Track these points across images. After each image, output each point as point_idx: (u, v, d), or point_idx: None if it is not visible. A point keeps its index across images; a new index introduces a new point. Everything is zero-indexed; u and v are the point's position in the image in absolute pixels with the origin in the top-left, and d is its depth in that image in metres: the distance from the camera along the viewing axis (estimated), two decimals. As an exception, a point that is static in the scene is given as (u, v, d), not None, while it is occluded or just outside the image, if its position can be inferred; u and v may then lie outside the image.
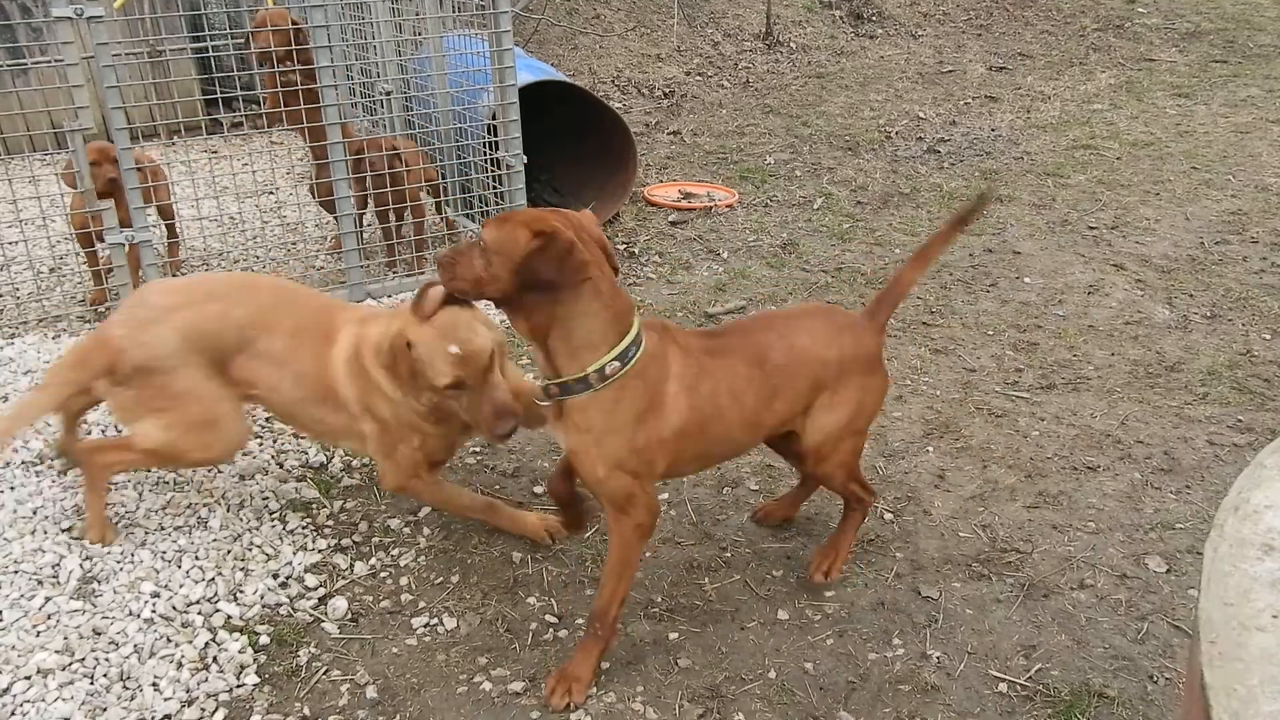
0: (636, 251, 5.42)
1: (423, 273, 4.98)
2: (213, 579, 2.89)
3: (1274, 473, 1.01)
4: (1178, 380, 4.06)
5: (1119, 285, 4.93)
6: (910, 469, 3.50)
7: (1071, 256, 5.29)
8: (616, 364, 2.29)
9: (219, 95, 4.82)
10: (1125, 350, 4.32)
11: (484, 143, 5.12)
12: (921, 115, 8.01)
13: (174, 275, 4.61)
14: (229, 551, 3.01)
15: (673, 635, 2.75)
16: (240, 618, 2.78)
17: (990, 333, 4.48)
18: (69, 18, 3.90)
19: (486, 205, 5.26)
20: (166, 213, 4.76)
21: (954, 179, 6.53)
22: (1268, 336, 4.41)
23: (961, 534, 3.17)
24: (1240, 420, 3.77)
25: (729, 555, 3.08)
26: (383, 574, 3.00)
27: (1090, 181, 6.43)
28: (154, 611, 2.74)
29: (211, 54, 4.86)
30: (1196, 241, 5.47)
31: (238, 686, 2.56)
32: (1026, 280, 5.02)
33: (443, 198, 5.24)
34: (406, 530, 3.19)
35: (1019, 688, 2.58)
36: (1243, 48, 10.02)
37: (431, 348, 2.62)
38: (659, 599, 2.88)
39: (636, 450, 2.37)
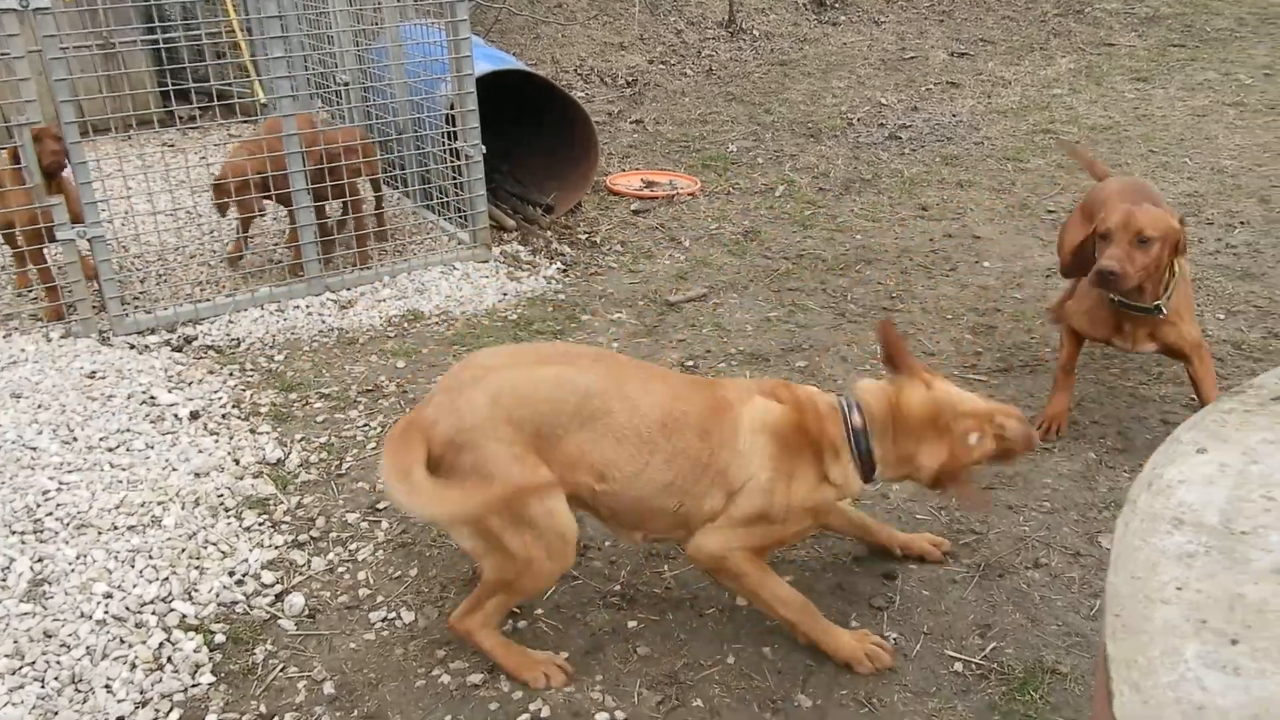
0: (598, 241, 5.41)
1: (367, 268, 4.95)
2: (167, 578, 2.86)
3: (1189, 448, 1.03)
4: (1133, 361, 4.10)
5: (1076, 268, 4.96)
6: (869, 453, 3.51)
7: (1030, 240, 5.33)
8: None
9: (172, 88, 4.75)
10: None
11: (443, 133, 5.09)
12: (883, 101, 8.03)
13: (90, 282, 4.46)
14: (184, 550, 2.98)
15: (631, 624, 2.75)
16: (195, 616, 2.75)
17: (949, 317, 4.51)
18: (14, 9, 3.84)
19: (446, 196, 5.24)
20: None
21: (915, 165, 6.55)
22: (1222, 316, 4.46)
23: (919, 516, 3.19)
24: (1193, 400, 3.81)
25: (688, 542, 3.08)
26: (340, 569, 2.99)
27: (1049, 166, 6.48)
28: (107, 612, 2.71)
29: (163, 46, 4.79)
30: (1153, 223, 5.51)
31: (193, 686, 2.54)
32: (986, 264, 5.05)
33: (381, 191, 5.19)
34: (365, 525, 3.17)
35: (974, 666, 2.60)
36: (1200, 31, 10.11)
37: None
38: (617, 587, 2.89)
39: (1188, 312, 3.49)
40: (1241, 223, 5.49)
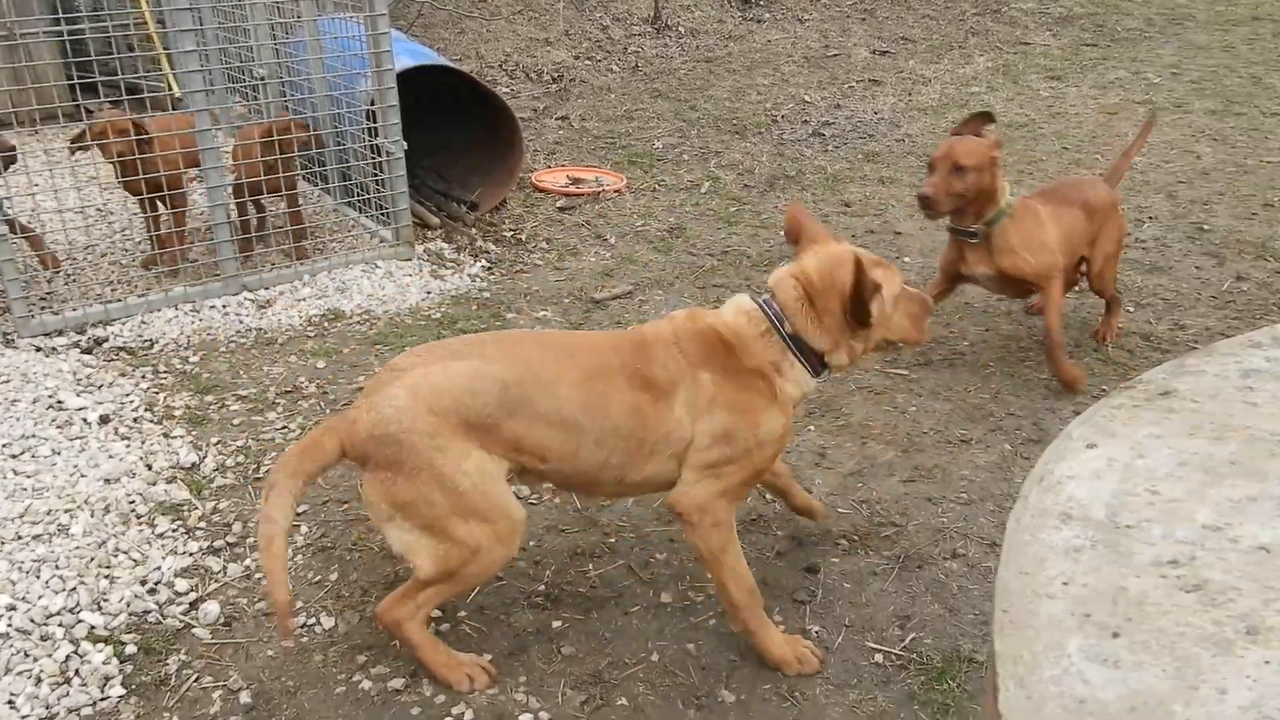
0: (524, 238, 5.38)
1: (288, 265, 4.86)
2: (75, 588, 2.77)
3: (1079, 444, 1.05)
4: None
5: (993, 263, 5.07)
6: (792, 448, 3.55)
7: (948, 236, 5.42)
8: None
9: (79, 81, 4.60)
10: (998, 325, 4.45)
11: (364, 129, 5.02)
12: (807, 99, 8.12)
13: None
14: (92, 559, 2.89)
15: (556, 623, 2.75)
16: (105, 627, 2.67)
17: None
18: (-95, 1, 3.68)
19: (367, 193, 5.16)
20: None
21: (838, 161, 6.64)
22: (1131, 309, 4.60)
23: (841, 510, 3.23)
24: (1104, 390, 3.92)
25: (613, 541, 3.08)
26: (258, 575, 2.92)
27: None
28: (10, 625, 2.62)
29: (68, 38, 4.65)
30: (1066, 219, 5.66)
31: (102, 700, 2.47)
32: (907, 260, 5.14)
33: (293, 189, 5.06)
34: (283, 529, 3.11)
35: (894, 657, 2.64)
36: (1111, 31, 10.40)
37: (873, 263, 2.55)
38: (542, 588, 2.87)
39: (1038, 243, 3.83)
40: (1150, 218, 5.66)
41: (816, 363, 2.55)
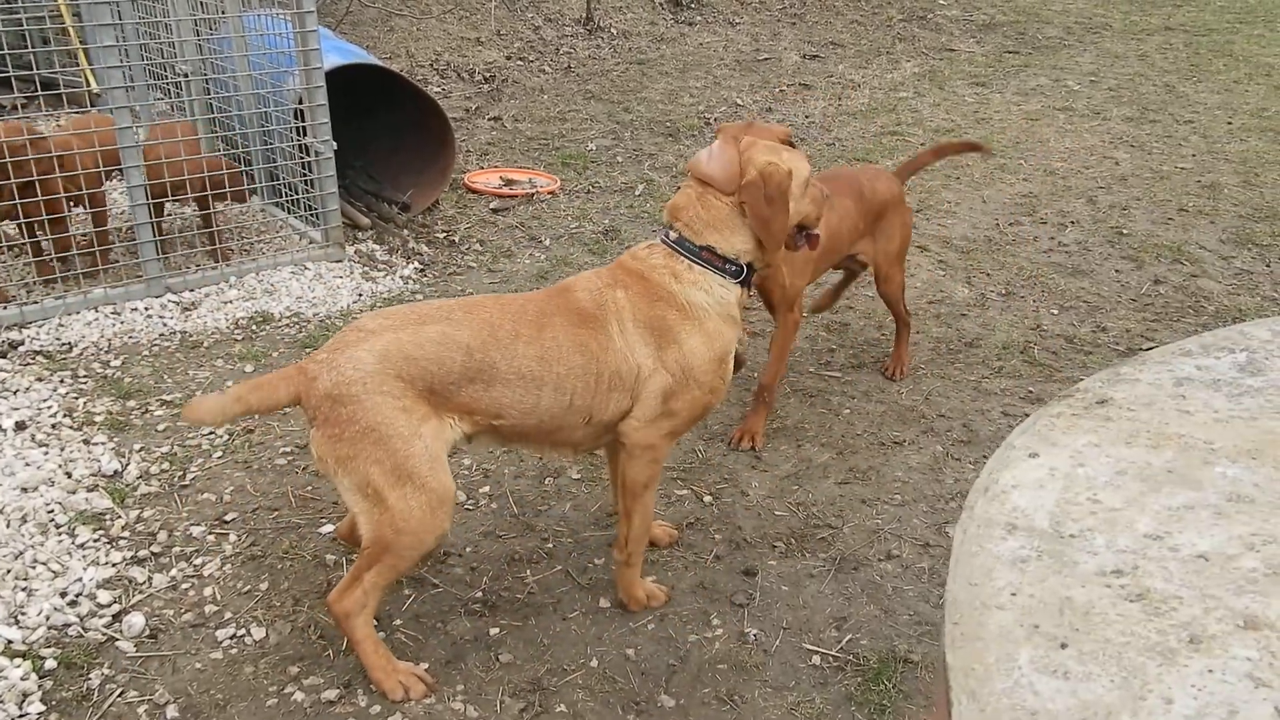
0: (457, 240, 5.32)
1: (213, 266, 4.75)
2: (-10, 603, 2.67)
3: (1021, 453, 1.07)
4: (975, 355, 4.29)
5: (923, 266, 5.16)
6: (729, 452, 3.57)
7: (879, 239, 5.51)
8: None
9: (-9, 76, 4.45)
10: (929, 328, 4.53)
11: (292, 128, 4.92)
12: (739, 102, 8.17)
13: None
14: (9, 570, 2.78)
15: (494, 630, 2.72)
16: (23, 641, 2.58)
17: (805, 315, 4.61)
18: None
19: (296, 193, 5.06)
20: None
21: (770, 164, 6.69)
22: (1055, 312, 4.71)
23: (777, 512, 3.26)
24: (1031, 391, 4.02)
25: (550, 546, 3.06)
26: (185, 585, 2.85)
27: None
28: (-79, 643, 2.51)
29: (-20, 31, 4.47)
30: (992, 223, 5.80)
31: (19, 717, 2.38)
32: (838, 263, 5.20)
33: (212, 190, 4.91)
34: (210, 538, 3.03)
35: (831, 659, 2.67)
36: (1033, 39, 10.67)
37: (783, 152, 2.67)
38: (479, 594, 2.85)
39: (804, 267, 3.51)
40: (1072, 222, 5.82)
41: (734, 269, 2.64)
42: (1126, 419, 1.11)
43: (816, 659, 2.67)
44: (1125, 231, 5.68)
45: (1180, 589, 0.86)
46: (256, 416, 3.62)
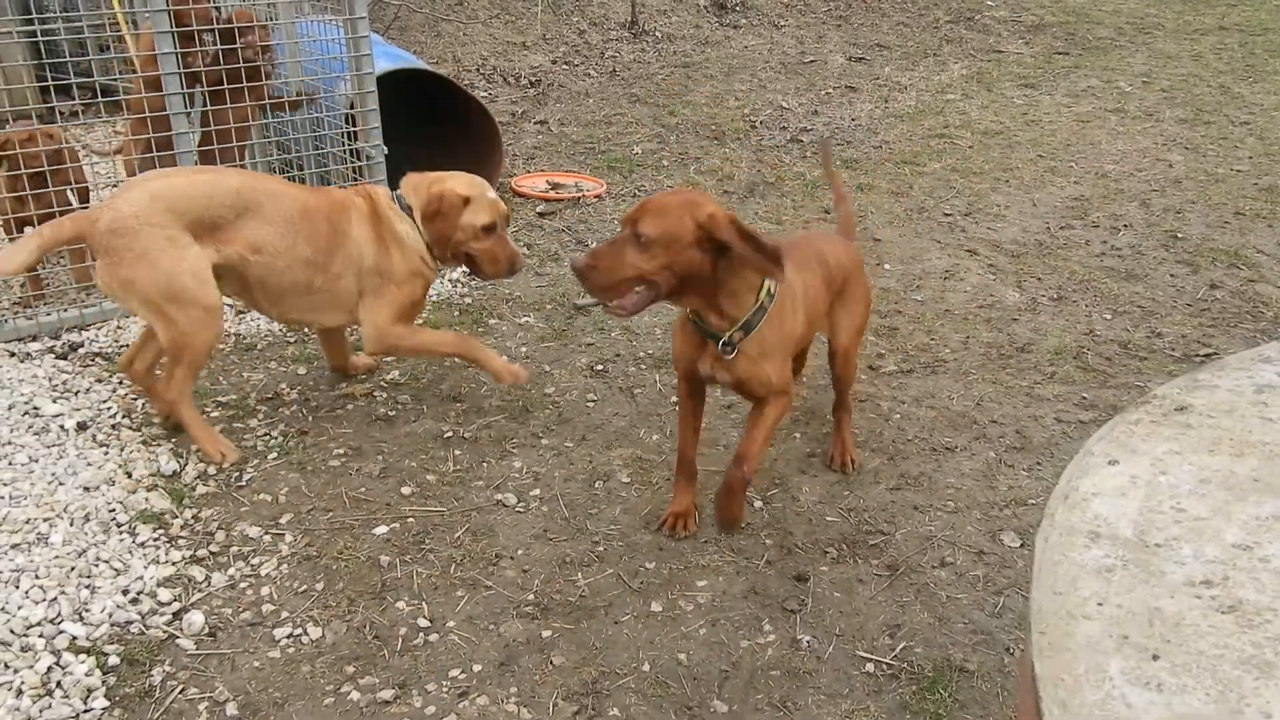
0: (504, 243, 5.34)
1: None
2: (55, 598, 2.72)
3: (1100, 460, 1.05)
4: (1027, 360, 4.24)
5: (973, 270, 5.11)
6: (778, 455, 3.56)
7: (928, 243, 5.47)
8: (768, 292, 2.83)
9: (52, 82, 4.54)
10: (979, 333, 4.48)
11: (343, 133, 4.97)
12: (785, 105, 8.15)
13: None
14: (73, 568, 2.84)
15: (546, 633, 2.73)
16: (87, 638, 2.63)
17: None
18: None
19: (347, 198, 5.11)
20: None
21: (817, 168, 6.66)
22: (1109, 316, 4.64)
23: (828, 518, 3.24)
24: (1085, 398, 3.96)
25: (602, 549, 3.07)
26: (242, 584, 2.89)
27: (945, 169, 6.65)
28: (-11, 637, 2.56)
29: (41, 38, 4.57)
30: (1043, 226, 5.72)
31: (84, 712, 2.42)
32: (886, 266, 5.16)
33: None
34: (267, 538, 3.07)
35: (885, 667, 2.65)
36: (1083, 40, 10.53)
37: (479, 197, 3.54)
38: (531, 597, 2.86)
39: (786, 348, 2.95)
40: (1125, 225, 5.73)
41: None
42: (1208, 426, 1.09)
43: (870, 666, 2.65)
44: (1180, 235, 5.59)
45: (1274, 601, 0.84)
46: (361, 394, 3.67)
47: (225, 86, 4.50)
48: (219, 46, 4.55)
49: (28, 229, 4.34)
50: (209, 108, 4.54)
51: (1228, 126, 7.63)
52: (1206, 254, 5.33)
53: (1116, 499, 0.99)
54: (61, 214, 4.30)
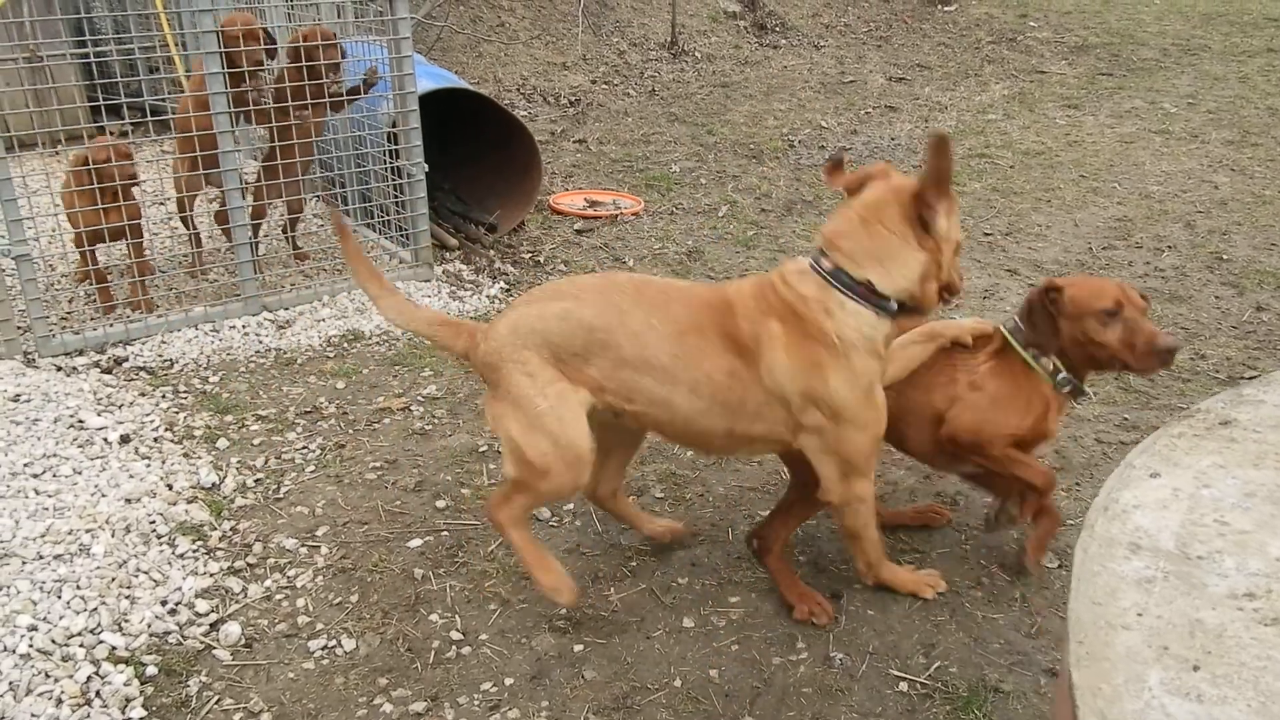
0: (542, 260, 5.38)
1: (308, 286, 4.86)
2: (95, 609, 2.76)
3: (1142, 473, 1.04)
4: (1069, 381, 4.17)
5: (1013, 290, 5.06)
6: (814, 474, 3.53)
7: (968, 262, 5.42)
8: None
9: (103, 102, 4.64)
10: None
11: (384, 151, 5.04)
12: (824, 124, 8.14)
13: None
14: (113, 579, 2.88)
15: (577, 648, 2.72)
16: (125, 648, 2.65)
17: (891, 338, 4.55)
18: (-64, 21, 3.72)
19: (387, 214, 5.18)
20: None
21: (855, 187, 6.63)
22: (1152, 337, 4.57)
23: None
24: (1126, 419, 3.90)
25: (634, 564, 3.06)
26: (278, 596, 2.91)
27: (986, 189, 6.60)
28: (31, 646, 2.60)
29: (94, 59, 4.68)
30: (1085, 247, 5.66)
31: None
32: (925, 286, 5.11)
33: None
34: (303, 550, 3.10)
35: (919, 686, 2.61)
36: (1127, 61, 10.43)
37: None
38: (563, 611, 2.85)
39: None
40: (1169, 247, 5.65)
41: (880, 301, 2.51)
42: (1253, 440, 1.07)
43: (904, 685, 2.61)
44: (1225, 257, 5.50)
45: (1319, 614, 0.82)
46: (397, 408, 3.70)
47: (290, 104, 4.57)
48: (285, 65, 4.64)
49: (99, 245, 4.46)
50: (274, 124, 4.61)
51: (1275, 148, 7.51)
52: (1252, 276, 5.24)
53: (1158, 511, 0.97)
54: (131, 229, 4.42)
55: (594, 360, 2.59)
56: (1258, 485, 1.01)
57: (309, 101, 4.61)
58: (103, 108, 4.66)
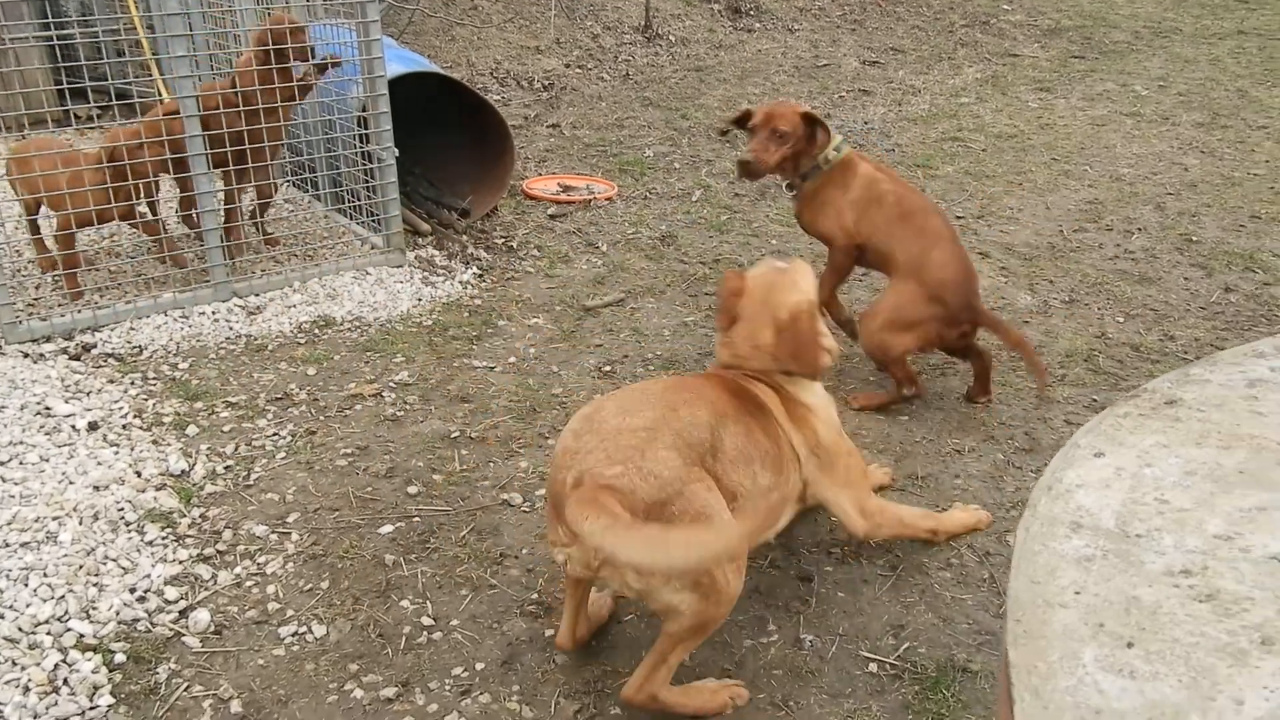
0: (515, 245, 5.37)
1: (279, 272, 4.83)
2: (63, 596, 2.74)
3: (1086, 452, 1.05)
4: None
5: (985, 272, 5.09)
6: (785, 457, 3.54)
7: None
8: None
9: (69, 86, 4.59)
10: (989, 336, 4.45)
11: (354, 135, 5.00)
12: (798, 108, 8.13)
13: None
14: (81, 566, 2.86)
15: (549, 632, 2.73)
16: (94, 636, 2.64)
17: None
18: (-106, 4, 3.66)
19: (358, 199, 5.15)
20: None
21: (829, 170, 6.65)
22: (1120, 320, 4.62)
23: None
24: (1095, 400, 3.94)
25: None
26: (248, 583, 2.90)
27: (958, 172, 6.63)
28: (-3, 633, 2.59)
29: (59, 43, 4.62)
30: (1056, 230, 5.70)
31: (90, 709, 2.44)
32: (897, 269, 5.14)
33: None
34: (274, 537, 3.09)
35: (888, 667, 2.64)
36: (1099, 44, 10.48)
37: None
38: (535, 596, 2.86)
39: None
40: (1139, 229, 5.70)
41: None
42: (1197, 419, 1.09)
43: (873, 666, 2.64)
44: (1195, 239, 5.55)
45: (1252, 590, 0.83)
46: (369, 395, 3.69)
47: (258, 87, 4.53)
48: (253, 50, 4.60)
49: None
50: (242, 109, 4.56)
51: (1245, 130, 7.58)
52: (1221, 257, 5.30)
53: (1101, 490, 0.99)
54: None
55: (712, 463, 2.49)
56: (1199, 464, 1.03)
57: (277, 86, 4.57)
58: (67, 91, 4.60)
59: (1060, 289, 4.94)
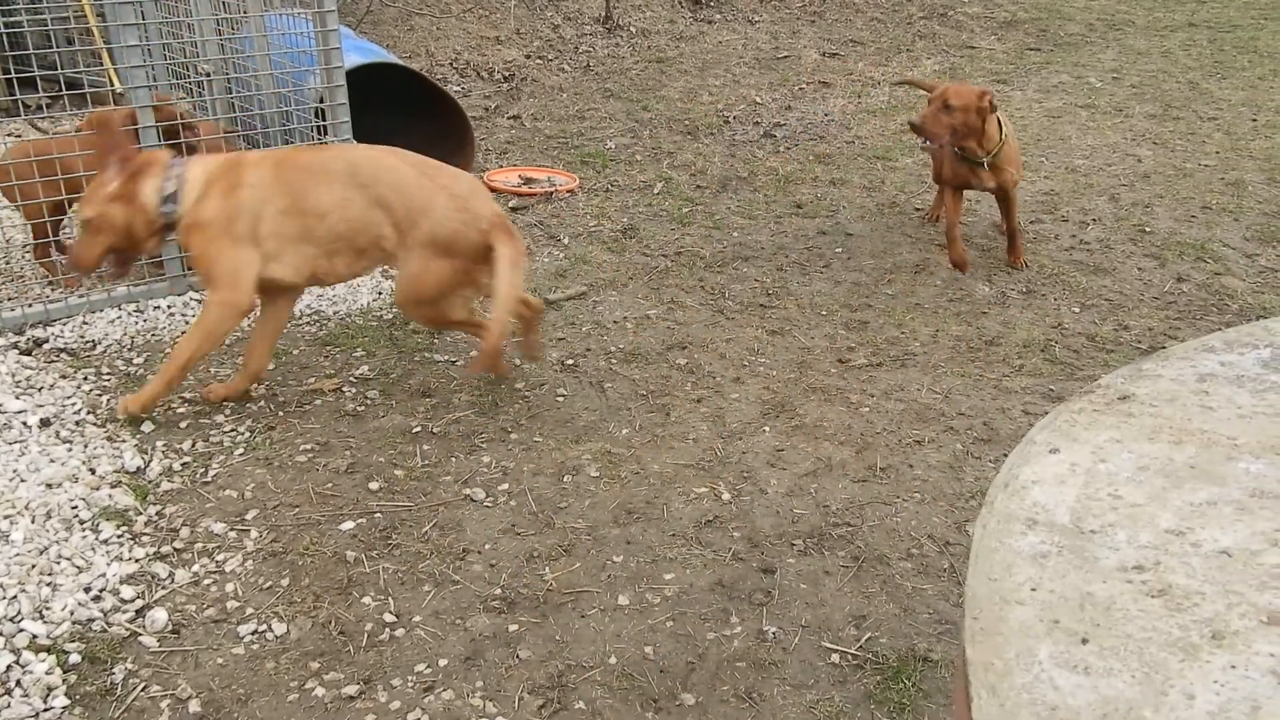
0: (476, 238, 5.32)
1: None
2: (15, 596, 2.70)
3: (1042, 449, 1.07)
4: (996, 354, 4.27)
5: (943, 265, 5.14)
6: (747, 449, 3.56)
7: (899, 237, 5.49)
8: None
9: (16, 75, 4.49)
10: (949, 327, 4.51)
11: (312, 127, 4.94)
12: (758, 100, 8.16)
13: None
14: (34, 566, 2.81)
15: (512, 628, 2.73)
16: (47, 636, 2.60)
17: (824, 313, 4.61)
18: None
19: (317, 192, 5.08)
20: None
21: (790, 163, 6.68)
22: (1077, 310, 4.68)
23: (796, 510, 3.25)
24: (1052, 390, 3.99)
25: (570, 543, 3.07)
26: (206, 581, 2.87)
27: (917, 164, 6.68)
28: (-53, 636, 2.54)
29: (5, 30, 4.52)
30: (1013, 221, 5.75)
31: (44, 710, 2.41)
32: (858, 261, 5.18)
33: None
34: (232, 534, 3.06)
35: (850, 657, 2.66)
36: (1054, 36, 10.59)
37: None
38: (498, 591, 2.85)
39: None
40: (1094, 220, 5.78)
41: None
42: (1149, 415, 1.10)
43: (836, 657, 2.66)
44: (1148, 229, 5.64)
45: (1203, 585, 0.85)
46: (329, 390, 3.65)
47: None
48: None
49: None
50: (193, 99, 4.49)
51: (1196, 122, 7.70)
52: (1174, 248, 5.38)
53: (1055, 486, 1.00)
54: None
55: None
56: (1151, 459, 1.04)
57: None
58: (16, 81, 4.49)
59: (1017, 280, 5.00)
